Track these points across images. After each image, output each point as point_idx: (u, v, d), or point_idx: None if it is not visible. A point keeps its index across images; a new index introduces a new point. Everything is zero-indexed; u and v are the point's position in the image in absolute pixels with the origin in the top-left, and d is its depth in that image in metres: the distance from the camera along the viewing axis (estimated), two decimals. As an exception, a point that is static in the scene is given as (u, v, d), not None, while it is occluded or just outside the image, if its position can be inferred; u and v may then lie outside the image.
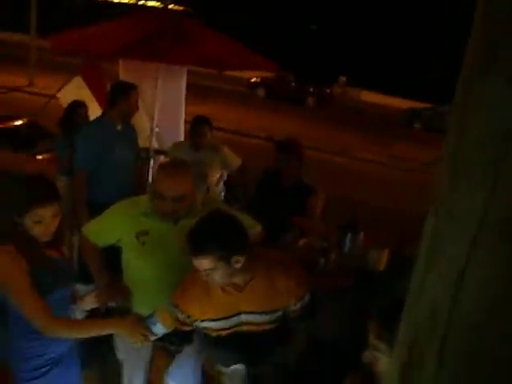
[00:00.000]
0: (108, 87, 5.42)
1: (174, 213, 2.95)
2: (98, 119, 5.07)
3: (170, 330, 2.63)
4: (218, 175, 5.50)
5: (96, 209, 3.37)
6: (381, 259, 4.20)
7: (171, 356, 2.75)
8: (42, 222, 2.44)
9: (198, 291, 2.63)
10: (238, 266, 2.47)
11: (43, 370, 2.57)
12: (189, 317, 2.67)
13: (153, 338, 2.61)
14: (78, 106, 5.98)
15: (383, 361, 1.94)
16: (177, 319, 2.68)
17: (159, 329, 2.59)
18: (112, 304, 3.09)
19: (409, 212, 8.64)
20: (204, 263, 2.44)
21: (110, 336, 3.28)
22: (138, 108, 4.94)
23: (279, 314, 2.67)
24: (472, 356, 0.71)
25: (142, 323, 2.60)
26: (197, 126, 5.37)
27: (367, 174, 14.03)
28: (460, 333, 0.72)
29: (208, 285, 2.57)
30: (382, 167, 15.44)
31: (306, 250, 4.12)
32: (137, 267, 3.10)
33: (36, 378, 2.56)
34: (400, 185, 13.10)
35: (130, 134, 5.02)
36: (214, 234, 2.45)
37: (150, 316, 2.61)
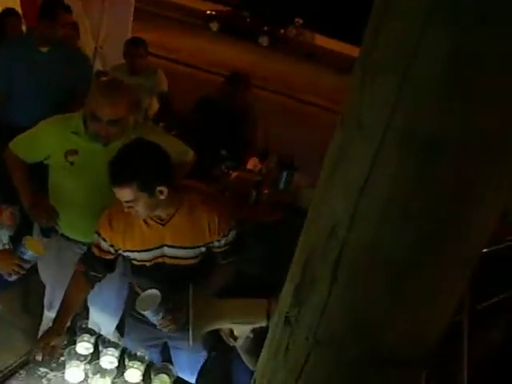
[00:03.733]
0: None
1: (107, 135, 2.86)
2: (21, 37, 4.74)
3: (42, 255, 2.56)
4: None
5: (17, 132, 3.15)
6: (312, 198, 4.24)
7: (91, 282, 2.71)
8: None
9: (122, 221, 2.58)
10: (162, 197, 2.40)
11: None
12: (112, 246, 2.63)
13: (27, 266, 2.54)
14: (9, 14, 5.41)
15: None
16: (100, 247, 2.64)
17: (31, 256, 2.52)
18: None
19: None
20: (125, 194, 2.37)
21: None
22: (67, 31, 4.67)
23: (202, 249, 2.65)
24: (366, 266, 0.71)
25: (15, 253, 2.52)
26: (129, 47, 5.19)
27: (312, 117, 14.06)
28: (356, 247, 0.72)
29: (131, 216, 2.51)
30: (329, 112, 15.49)
31: (238, 183, 4.13)
32: (64, 187, 3.02)
33: None
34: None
35: (64, 56, 4.55)
36: (134, 163, 2.36)
37: (20, 246, 2.53)
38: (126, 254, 2.67)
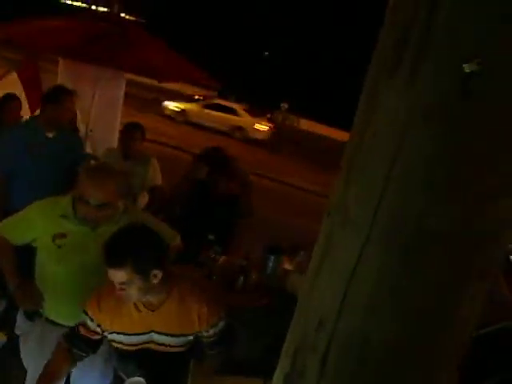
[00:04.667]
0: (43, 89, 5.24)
1: (96, 219, 2.88)
2: (25, 122, 4.83)
3: (3, 340, 2.55)
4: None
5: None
6: (300, 283, 4.22)
7: (74, 358, 2.65)
8: None
9: (112, 303, 2.56)
10: (155, 281, 2.41)
11: None
12: (99, 326, 2.60)
13: None
14: (10, 99, 5.61)
15: None
16: (86, 326, 2.60)
17: None
18: None
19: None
20: (119, 275, 2.38)
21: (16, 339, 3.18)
22: (72, 115, 4.77)
23: (190, 338, 2.65)
24: (354, 363, 0.72)
25: None
26: (128, 130, 5.27)
27: (299, 200, 14.17)
28: (344, 339, 0.72)
29: (122, 298, 2.50)
30: (315, 195, 15.62)
31: (225, 268, 4.11)
32: (50, 270, 2.99)
33: None
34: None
35: (67, 141, 4.67)
36: (130, 246, 2.40)
37: None
38: (112, 336, 2.63)
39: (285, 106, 24.77)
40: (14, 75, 6.90)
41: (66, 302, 2.93)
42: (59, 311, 3.03)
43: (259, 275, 4.25)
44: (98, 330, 2.61)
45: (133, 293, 2.41)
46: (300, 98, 27.45)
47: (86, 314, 2.60)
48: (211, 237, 4.21)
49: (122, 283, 2.39)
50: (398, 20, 0.74)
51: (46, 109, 4.47)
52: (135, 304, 2.54)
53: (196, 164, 4.53)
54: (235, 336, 2.76)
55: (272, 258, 4.47)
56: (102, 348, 3.00)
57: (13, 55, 8.19)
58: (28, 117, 4.90)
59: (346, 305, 0.72)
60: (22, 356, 3.21)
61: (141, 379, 2.41)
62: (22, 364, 3.25)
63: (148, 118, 16.95)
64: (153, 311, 2.55)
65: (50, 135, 4.52)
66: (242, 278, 4.08)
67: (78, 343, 2.62)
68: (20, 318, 3.14)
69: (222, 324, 2.65)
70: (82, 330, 2.62)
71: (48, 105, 4.46)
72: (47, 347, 3.01)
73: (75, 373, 3.14)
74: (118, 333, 2.60)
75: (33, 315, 3.12)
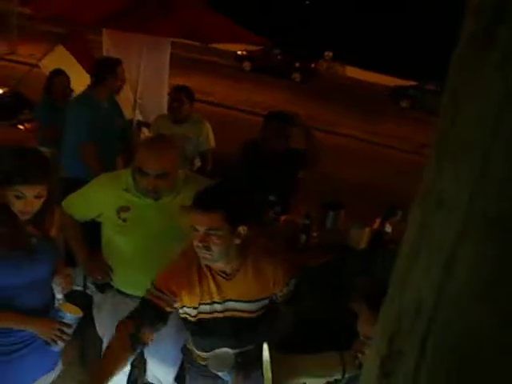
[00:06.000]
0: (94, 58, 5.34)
1: (156, 189, 2.89)
2: (85, 95, 4.95)
3: (80, 315, 2.52)
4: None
5: (81, 186, 3.23)
6: (362, 237, 4.21)
7: (133, 348, 2.60)
8: (23, 198, 2.34)
9: (187, 277, 2.54)
10: (238, 241, 2.42)
11: None
12: (175, 301, 2.54)
13: (69, 330, 2.50)
14: (57, 74, 5.90)
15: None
16: (159, 297, 2.53)
17: (70, 319, 2.50)
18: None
19: (391, 191, 8.70)
20: (207, 220, 2.34)
21: (90, 309, 3.29)
22: (124, 82, 4.89)
23: (266, 301, 2.65)
24: (455, 349, 0.71)
25: (54, 319, 2.50)
26: (175, 94, 5.29)
27: (351, 151, 14.05)
28: (444, 326, 0.71)
29: (197, 271, 2.52)
30: (367, 144, 15.46)
31: (287, 227, 4.13)
32: (117, 244, 3.05)
33: None
34: (385, 163, 13.14)
35: (116, 110, 4.96)
36: (226, 193, 2.43)
37: (57, 311, 2.52)
38: (188, 310, 2.60)
39: (329, 54, 24.48)
40: (62, 48, 6.99)
41: (136, 273, 2.98)
42: (129, 282, 3.10)
43: (321, 233, 4.26)
44: (170, 301, 2.55)
45: (215, 249, 2.38)
46: (344, 46, 26.98)
47: (159, 288, 2.53)
48: (272, 197, 4.20)
49: (209, 230, 2.35)
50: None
51: (105, 80, 4.65)
52: (211, 273, 2.54)
53: (266, 125, 4.46)
54: (305, 292, 2.78)
55: (331, 213, 4.46)
56: (173, 321, 3.06)
57: (57, 29, 8.25)
58: (85, 89, 4.99)
59: (443, 292, 0.71)
60: (96, 325, 3.33)
61: (227, 350, 2.43)
62: (96, 332, 3.38)
63: (195, 77, 17.00)
64: (228, 280, 2.55)
65: (106, 105, 4.75)
66: (303, 236, 4.10)
67: (149, 314, 2.53)
68: (92, 291, 3.24)
69: (293, 282, 2.66)
70: (157, 301, 2.55)
71: (108, 77, 4.64)
72: (119, 317, 3.10)
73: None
74: (194, 307, 2.58)
75: (103, 287, 3.21)
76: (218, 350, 2.44)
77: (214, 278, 2.55)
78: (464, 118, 0.69)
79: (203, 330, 2.65)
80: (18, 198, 2.34)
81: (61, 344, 2.52)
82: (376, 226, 4.42)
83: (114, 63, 4.72)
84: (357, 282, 3.56)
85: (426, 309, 0.73)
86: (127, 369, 3.28)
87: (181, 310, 2.63)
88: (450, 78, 0.74)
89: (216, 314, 2.61)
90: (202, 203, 2.35)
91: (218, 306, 2.59)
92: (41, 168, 2.38)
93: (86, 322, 2.88)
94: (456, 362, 0.70)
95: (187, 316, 2.63)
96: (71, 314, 2.51)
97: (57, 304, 2.69)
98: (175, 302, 2.54)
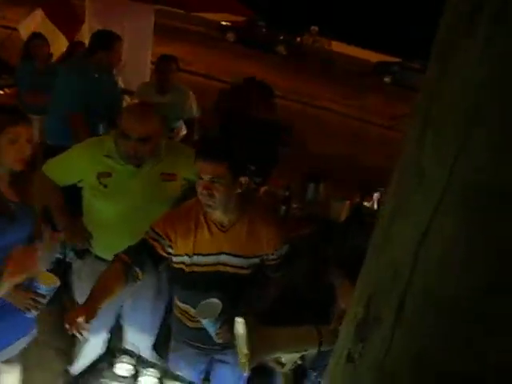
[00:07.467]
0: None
1: (138, 154, 2.89)
2: (75, 64, 4.88)
3: (56, 285, 2.46)
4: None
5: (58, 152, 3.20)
6: (341, 210, 4.25)
7: (127, 279, 2.59)
8: (17, 141, 2.33)
9: (185, 225, 2.63)
10: (239, 190, 2.55)
11: None
12: (170, 246, 2.62)
13: (43, 300, 2.44)
14: (36, 38, 5.84)
15: None
16: (156, 240, 2.61)
17: (45, 290, 2.42)
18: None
19: (372, 165, 8.74)
20: (215, 169, 2.47)
21: (67, 276, 3.27)
22: (120, 59, 4.81)
23: (256, 260, 2.72)
24: (429, 313, 0.72)
25: (29, 289, 2.43)
26: (161, 63, 5.22)
27: (334, 125, 14.04)
28: (419, 292, 0.72)
29: (194, 220, 2.62)
30: (349, 119, 15.45)
31: (267, 198, 4.14)
32: (97, 209, 3.06)
33: None
34: (365, 138, 13.17)
35: (109, 81, 4.85)
36: (232, 145, 2.60)
37: (33, 280, 2.41)
38: (182, 258, 2.66)
39: (315, 29, 24.28)
40: (40, 12, 6.87)
41: (116, 238, 2.97)
42: (109, 248, 3.08)
43: (301, 204, 4.28)
44: (170, 250, 2.63)
45: (218, 196, 2.50)
46: (330, 20, 26.78)
47: (158, 234, 2.62)
48: (251, 167, 4.19)
49: (213, 178, 2.48)
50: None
51: (98, 54, 4.57)
52: (207, 223, 2.63)
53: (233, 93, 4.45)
54: (295, 259, 2.89)
55: (311, 185, 4.48)
56: (153, 282, 3.08)
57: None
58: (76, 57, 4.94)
59: (419, 259, 0.72)
60: (74, 292, 3.32)
61: (216, 300, 2.47)
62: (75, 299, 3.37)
63: (178, 46, 16.78)
64: (224, 232, 2.64)
65: (97, 75, 4.65)
66: (283, 207, 4.12)
67: (143, 257, 2.60)
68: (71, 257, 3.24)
69: (285, 248, 2.77)
70: (153, 243, 2.61)
71: (100, 50, 4.56)
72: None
73: (126, 307, 3.25)
74: (189, 255, 2.64)
75: (83, 253, 3.21)
76: (207, 300, 2.49)
77: (209, 228, 2.64)
78: (448, 93, 0.70)
79: (193, 283, 2.70)
80: (12, 142, 2.34)
81: (35, 312, 2.51)
82: (355, 199, 4.45)
83: (110, 39, 4.63)
84: (335, 253, 3.60)
85: (403, 273, 0.74)
86: (105, 336, 3.31)
87: (175, 259, 2.68)
88: (435, 49, 0.74)
89: (207, 268, 2.66)
90: (209, 154, 2.49)
91: (210, 258, 2.65)
92: (23, 114, 2.48)
93: (64, 289, 2.87)
94: (432, 328, 0.72)
95: (182, 266, 2.68)
96: (46, 285, 2.45)
97: None
98: (170, 247, 2.63)
